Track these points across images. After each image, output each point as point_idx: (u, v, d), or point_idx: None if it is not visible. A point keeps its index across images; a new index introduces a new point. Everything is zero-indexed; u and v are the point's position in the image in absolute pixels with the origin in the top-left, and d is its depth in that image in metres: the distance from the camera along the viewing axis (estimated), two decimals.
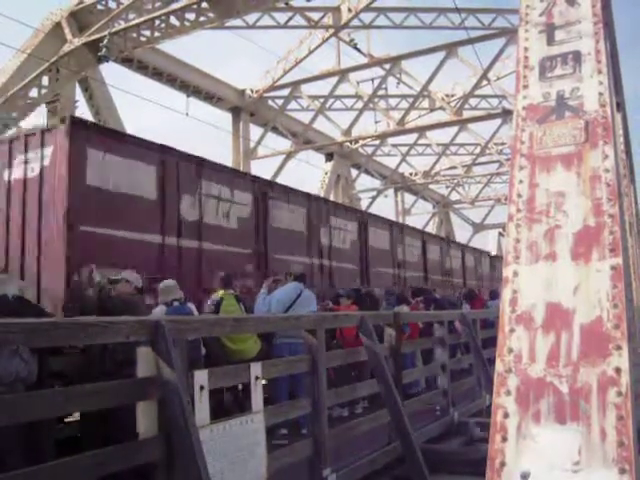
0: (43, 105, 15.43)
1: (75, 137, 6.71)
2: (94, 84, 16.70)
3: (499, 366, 2.04)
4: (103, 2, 15.40)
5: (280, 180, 20.50)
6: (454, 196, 36.16)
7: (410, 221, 29.93)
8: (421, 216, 34.33)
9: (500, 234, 34.68)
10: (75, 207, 6.60)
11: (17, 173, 6.96)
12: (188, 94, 19.34)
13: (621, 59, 4.24)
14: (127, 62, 17.38)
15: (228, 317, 5.64)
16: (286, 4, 16.79)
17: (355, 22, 18.19)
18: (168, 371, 3.22)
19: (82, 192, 6.73)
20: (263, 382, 4.16)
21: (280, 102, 22.63)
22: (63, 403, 3.00)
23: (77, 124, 6.89)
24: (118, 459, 3.09)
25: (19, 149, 7.00)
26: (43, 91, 15.25)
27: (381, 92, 22.30)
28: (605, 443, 1.77)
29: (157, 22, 14.56)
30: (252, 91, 21.51)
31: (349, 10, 17.37)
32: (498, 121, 25.51)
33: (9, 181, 7.02)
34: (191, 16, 14.43)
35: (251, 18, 17.38)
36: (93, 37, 14.68)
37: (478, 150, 29.02)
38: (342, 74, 21.67)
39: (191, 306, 6.55)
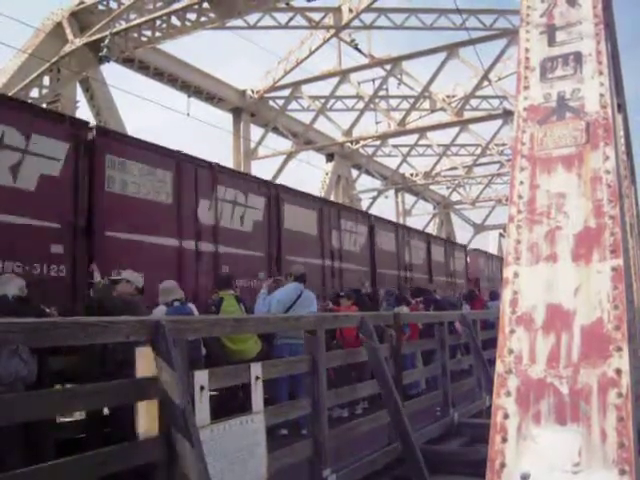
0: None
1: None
2: (95, 84, 16.71)
3: (499, 367, 2.04)
4: (104, 2, 15.43)
5: (280, 180, 20.53)
6: (455, 197, 36.19)
7: (411, 222, 29.98)
8: (422, 217, 34.39)
9: (501, 235, 34.70)
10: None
11: None
12: (189, 94, 19.35)
13: (622, 60, 4.24)
14: (128, 62, 17.39)
15: (228, 317, 5.64)
16: (287, 4, 16.81)
17: (356, 23, 18.21)
18: (168, 371, 3.22)
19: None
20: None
21: (281, 102, 22.66)
22: (63, 403, 3.00)
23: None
24: (118, 459, 3.09)
25: None
26: (44, 91, 15.27)
27: (382, 93, 22.33)
28: (605, 444, 1.77)
29: (158, 22, 14.58)
30: (253, 91, 21.53)
31: (350, 11, 17.39)
32: (499, 122, 25.55)
33: None
34: (192, 16, 14.45)
35: (252, 18, 17.40)
36: (94, 37, 14.70)
37: (479, 151, 29.03)
38: (343, 74, 21.68)
39: (191, 306, 6.55)
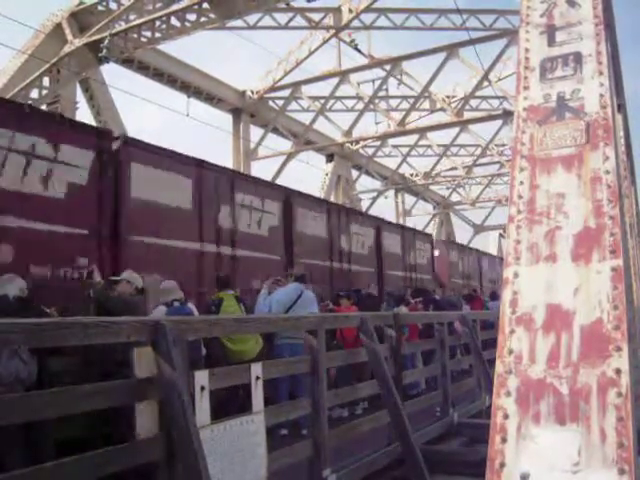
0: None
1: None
2: (95, 85, 16.70)
3: (499, 367, 2.04)
4: (104, 3, 15.43)
5: (279, 181, 20.55)
6: (455, 197, 36.18)
7: (410, 222, 29.96)
8: (422, 217, 34.36)
9: (501, 235, 34.70)
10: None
11: None
12: (189, 95, 19.35)
13: (622, 60, 4.25)
14: (128, 63, 17.40)
15: (228, 317, 5.64)
16: (287, 5, 16.80)
17: (356, 23, 18.21)
18: (169, 371, 3.22)
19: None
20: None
21: (281, 103, 22.65)
22: (63, 403, 3.00)
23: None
24: (119, 459, 3.09)
25: None
26: (44, 92, 15.28)
27: (382, 93, 22.33)
28: (605, 444, 1.77)
29: (158, 23, 14.58)
30: (252, 92, 21.53)
31: (350, 11, 17.39)
32: (499, 122, 25.55)
33: None
34: (192, 17, 14.45)
35: (252, 19, 17.40)
36: (94, 38, 14.70)
37: (479, 151, 29.03)
38: (343, 75, 21.68)
39: (191, 306, 6.56)
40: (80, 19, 15.49)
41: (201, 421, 3.40)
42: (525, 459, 1.85)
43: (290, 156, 23.17)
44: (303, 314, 6.61)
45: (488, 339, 9.11)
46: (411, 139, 27.28)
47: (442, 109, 22.14)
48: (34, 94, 15.13)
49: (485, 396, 7.93)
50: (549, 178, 2.33)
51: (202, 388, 3.49)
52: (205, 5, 13.99)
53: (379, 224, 14.55)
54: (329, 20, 17.99)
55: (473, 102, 23.90)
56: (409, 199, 33.61)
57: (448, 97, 22.42)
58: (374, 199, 28.74)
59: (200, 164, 8.65)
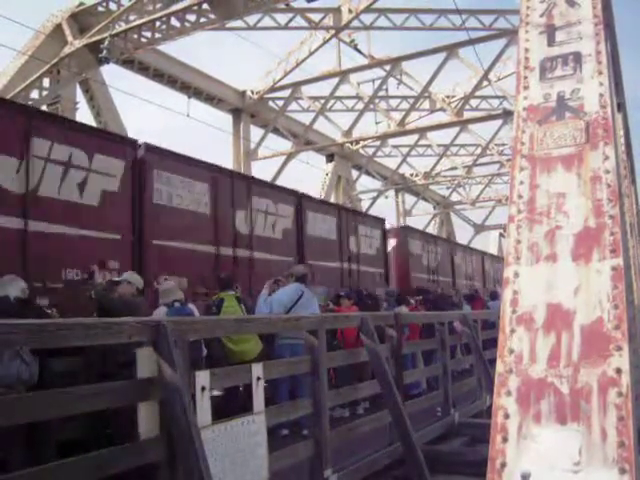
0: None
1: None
2: (95, 86, 16.70)
3: (500, 367, 2.04)
4: (104, 4, 15.42)
5: (279, 181, 20.54)
6: (455, 197, 36.18)
7: (411, 222, 29.94)
8: (422, 217, 34.34)
9: (501, 235, 34.69)
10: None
11: None
12: (189, 95, 19.36)
13: (622, 60, 4.25)
14: (128, 63, 17.39)
15: (229, 318, 5.65)
16: (287, 5, 16.79)
17: (356, 23, 18.19)
18: (170, 372, 3.23)
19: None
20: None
21: (281, 103, 22.64)
22: (65, 404, 3.00)
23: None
24: (120, 460, 3.09)
25: None
26: (44, 93, 15.29)
27: (382, 93, 22.31)
28: (605, 443, 1.77)
29: (158, 23, 14.58)
30: (252, 92, 21.53)
31: (349, 11, 17.38)
32: (499, 122, 25.53)
33: None
34: (192, 17, 14.45)
35: (252, 19, 17.38)
36: (94, 39, 14.70)
37: (479, 151, 29.02)
38: (343, 75, 21.67)
39: (192, 307, 6.56)
40: (80, 20, 15.48)
41: (202, 421, 3.40)
42: (526, 459, 1.85)
43: (290, 156, 23.16)
44: (304, 314, 6.61)
45: (489, 339, 9.11)
46: (411, 139, 27.28)
47: (442, 109, 22.14)
48: (34, 95, 15.14)
49: (486, 396, 7.93)
50: (549, 178, 2.33)
51: (203, 388, 3.49)
52: (205, 6, 13.99)
53: (301, 200, 11.40)
54: (329, 20, 17.98)
55: (473, 102, 23.91)
56: (409, 199, 33.61)
57: (448, 97, 22.41)
58: (374, 199, 28.76)
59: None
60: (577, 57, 2.58)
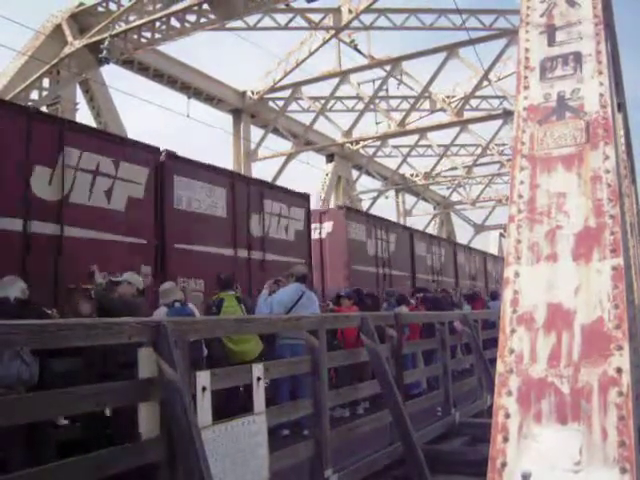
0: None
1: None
2: (95, 86, 16.71)
3: (500, 366, 2.04)
4: (104, 4, 15.42)
5: (279, 181, 20.53)
6: (455, 197, 36.16)
7: (411, 222, 29.91)
8: (422, 217, 34.33)
9: (501, 235, 34.65)
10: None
11: None
12: (189, 96, 19.36)
13: (622, 60, 4.24)
14: (128, 64, 17.39)
15: (229, 318, 5.65)
16: (287, 5, 16.79)
17: (356, 23, 18.19)
18: (170, 372, 3.23)
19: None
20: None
21: (281, 103, 22.64)
22: (65, 404, 3.00)
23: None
24: (120, 460, 3.09)
25: None
26: (44, 93, 15.29)
27: (382, 93, 22.31)
28: (606, 443, 1.78)
29: (158, 24, 14.59)
30: (253, 92, 21.52)
31: (349, 11, 17.38)
32: (499, 122, 25.52)
33: None
34: (192, 18, 14.45)
35: (252, 19, 17.38)
36: (94, 39, 14.70)
37: (479, 151, 29.01)
38: (343, 75, 21.67)
39: (192, 307, 6.56)
40: (80, 20, 15.48)
41: (203, 422, 3.41)
42: (526, 458, 1.85)
43: (290, 156, 23.16)
44: (304, 314, 6.61)
45: (489, 338, 9.11)
46: (411, 139, 27.28)
47: (442, 109, 22.14)
48: (34, 95, 15.14)
49: (486, 395, 7.93)
50: (549, 177, 2.34)
51: (204, 389, 3.49)
52: (205, 6, 13.99)
53: (164, 160, 8.29)
54: (329, 21, 17.98)
55: (473, 102, 23.90)
56: (409, 199, 33.62)
57: (448, 97, 22.41)
58: (374, 199, 28.77)
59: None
60: (577, 57, 2.58)
